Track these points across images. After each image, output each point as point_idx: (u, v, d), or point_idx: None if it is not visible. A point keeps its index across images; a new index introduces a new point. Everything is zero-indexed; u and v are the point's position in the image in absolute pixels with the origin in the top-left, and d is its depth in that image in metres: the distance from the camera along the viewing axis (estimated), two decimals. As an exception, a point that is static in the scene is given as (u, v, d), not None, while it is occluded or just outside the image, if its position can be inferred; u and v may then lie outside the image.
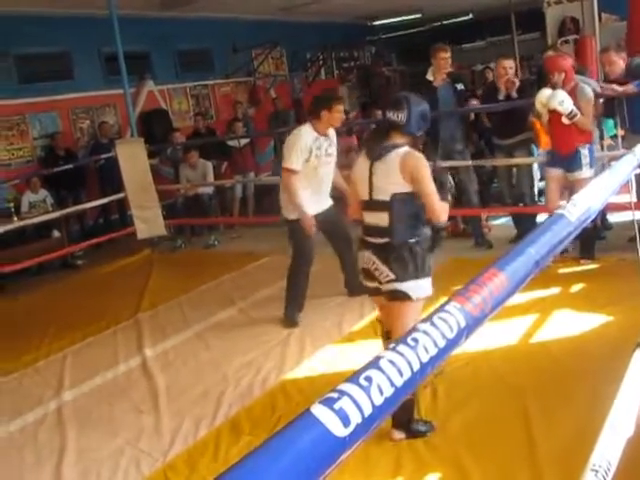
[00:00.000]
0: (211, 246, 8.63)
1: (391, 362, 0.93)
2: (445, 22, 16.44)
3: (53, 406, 4.51)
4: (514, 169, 6.75)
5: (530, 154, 6.68)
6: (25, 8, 9.39)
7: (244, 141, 9.90)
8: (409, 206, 3.28)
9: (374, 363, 0.92)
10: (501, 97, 6.45)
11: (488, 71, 10.30)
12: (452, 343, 1.08)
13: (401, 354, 0.95)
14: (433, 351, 1.02)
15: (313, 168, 5.16)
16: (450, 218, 7.19)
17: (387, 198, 3.28)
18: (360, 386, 0.87)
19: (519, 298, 4.32)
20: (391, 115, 3.30)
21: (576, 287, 5.30)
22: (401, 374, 0.93)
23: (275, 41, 13.53)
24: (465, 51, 16.11)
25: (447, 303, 1.16)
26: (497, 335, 4.29)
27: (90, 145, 10.57)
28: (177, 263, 8.14)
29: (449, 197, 3.40)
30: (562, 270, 5.55)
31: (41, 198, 8.96)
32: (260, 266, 7.18)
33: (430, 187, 3.25)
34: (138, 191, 8.38)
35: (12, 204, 8.60)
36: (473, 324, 1.16)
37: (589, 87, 5.50)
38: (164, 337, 5.48)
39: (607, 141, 7.06)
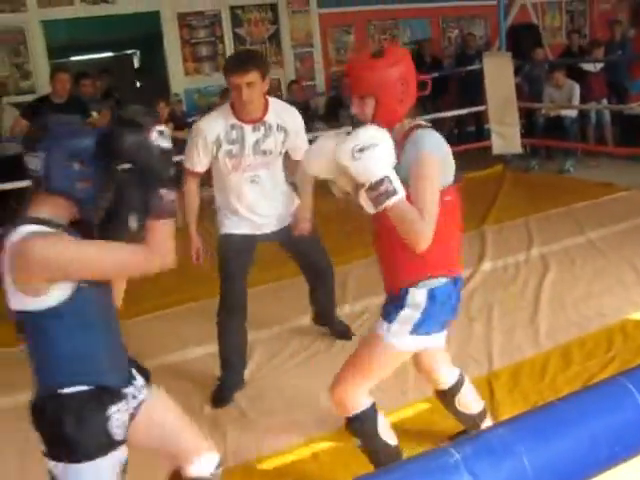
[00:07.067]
0: (566, 171, 8.28)
1: None
2: None
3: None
4: None
5: None
6: None
7: (600, 65, 9.17)
8: (61, 334, 1.92)
9: None
10: None
11: None
12: None
13: None
14: None
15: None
16: None
17: (20, 318, 1.96)
18: None
19: None
20: (28, 161, 1.96)
21: None
22: None
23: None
24: None
25: None
26: None
27: (456, 55, 10.67)
28: (528, 183, 8.00)
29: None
30: None
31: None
32: (616, 199, 6.78)
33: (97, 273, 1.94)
34: (500, 106, 8.35)
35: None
36: None
37: (435, 136, 2.39)
38: (507, 252, 5.48)
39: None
